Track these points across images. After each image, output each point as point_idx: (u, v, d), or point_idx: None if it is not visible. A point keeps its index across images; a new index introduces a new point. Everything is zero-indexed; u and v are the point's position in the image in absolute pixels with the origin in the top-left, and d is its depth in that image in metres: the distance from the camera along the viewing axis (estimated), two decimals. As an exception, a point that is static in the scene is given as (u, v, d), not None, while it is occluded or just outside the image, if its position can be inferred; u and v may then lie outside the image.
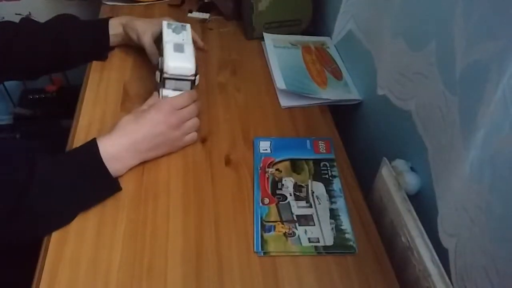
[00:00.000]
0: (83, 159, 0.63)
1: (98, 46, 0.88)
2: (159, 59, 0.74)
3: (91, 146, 0.63)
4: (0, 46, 0.79)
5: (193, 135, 0.74)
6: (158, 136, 0.68)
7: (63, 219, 0.62)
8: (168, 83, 0.74)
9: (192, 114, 0.73)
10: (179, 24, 0.80)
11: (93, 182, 0.63)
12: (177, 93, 0.74)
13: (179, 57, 0.74)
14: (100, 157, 0.62)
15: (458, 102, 0.48)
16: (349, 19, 0.82)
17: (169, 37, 0.77)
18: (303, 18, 1.01)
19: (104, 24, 0.87)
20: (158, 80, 0.75)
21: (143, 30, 0.85)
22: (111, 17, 0.89)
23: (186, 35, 0.78)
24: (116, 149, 0.64)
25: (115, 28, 0.88)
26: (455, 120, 0.49)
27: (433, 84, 0.54)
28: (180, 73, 0.73)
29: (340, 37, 0.87)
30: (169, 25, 0.79)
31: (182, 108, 0.71)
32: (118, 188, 0.66)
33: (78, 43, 0.84)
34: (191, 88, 0.75)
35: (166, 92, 0.74)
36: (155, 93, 0.75)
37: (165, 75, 0.73)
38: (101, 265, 0.58)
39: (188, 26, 0.81)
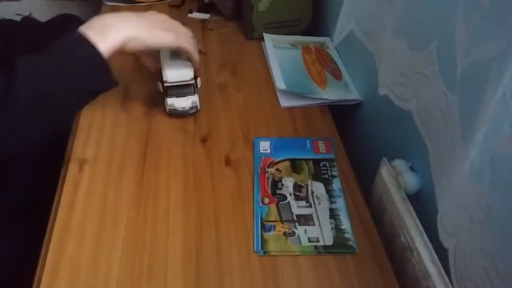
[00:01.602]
0: (68, 40, 0.60)
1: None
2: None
3: (75, 32, 0.59)
4: (0, 44, 0.79)
5: (191, 41, 0.73)
6: (151, 18, 0.68)
7: (60, 102, 0.59)
8: (170, 91, 0.75)
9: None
10: None
11: (82, 59, 0.59)
12: (182, 99, 0.76)
13: (176, 64, 0.75)
14: (84, 32, 0.59)
15: (458, 102, 0.49)
16: (350, 20, 0.82)
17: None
18: (303, 18, 1.01)
19: None
20: (161, 90, 0.76)
21: None
22: None
23: None
24: (104, 20, 0.62)
25: None
26: (456, 120, 0.49)
27: (434, 84, 0.54)
28: (180, 80, 0.74)
29: (341, 38, 0.87)
30: None
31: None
32: (109, 71, 0.62)
33: None
34: (194, 92, 0.76)
35: (171, 100, 0.76)
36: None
37: (165, 84, 0.74)
38: (101, 265, 0.58)
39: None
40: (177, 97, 0.76)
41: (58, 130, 0.63)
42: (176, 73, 0.75)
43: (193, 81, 0.75)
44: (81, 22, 0.87)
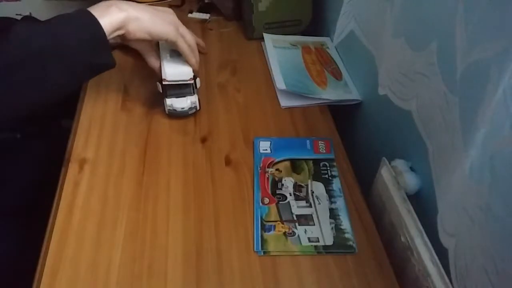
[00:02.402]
0: (71, 14, 0.62)
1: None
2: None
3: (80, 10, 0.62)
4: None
5: (189, 41, 0.73)
6: (157, 9, 0.69)
7: (59, 60, 0.59)
8: (169, 90, 0.75)
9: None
10: None
11: (82, 25, 0.61)
12: (181, 100, 0.75)
13: (175, 62, 0.75)
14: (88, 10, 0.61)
15: (458, 102, 0.49)
16: (350, 20, 0.82)
17: (165, 44, 0.78)
18: (303, 18, 1.01)
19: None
20: (160, 90, 0.76)
21: None
22: None
23: None
24: (109, 2, 0.64)
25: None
26: (456, 120, 0.49)
27: (434, 84, 0.54)
28: (179, 78, 0.74)
29: (342, 38, 0.87)
30: None
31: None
32: (108, 46, 0.64)
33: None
34: (194, 92, 0.76)
35: (170, 100, 0.76)
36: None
37: (164, 82, 0.74)
38: (101, 265, 0.58)
39: None
40: (176, 97, 0.76)
41: (48, 105, 0.62)
42: (175, 72, 0.74)
43: (192, 81, 0.75)
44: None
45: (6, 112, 0.59)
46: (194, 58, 0.75)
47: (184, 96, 0.76)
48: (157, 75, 0.77)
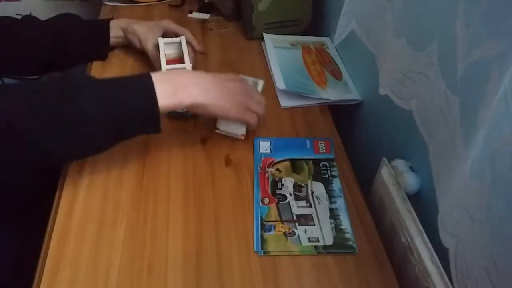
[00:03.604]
0: (133, 81, 0.60)
1: (98, 46, 0.88)
2: None
3: (145, 76, 0.59)
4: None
5: (255, 116, 0.70)
6: (228, 87, 0.65)
7: (91, 124, 0.57)
8: None
9: (261, 101, 0.71)
10: (174, 40, 0.83)
11: (137, 102, 0.58)
12: None
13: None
14: (153, 85, 0.57)
15: (459, 102, 0.49)
16: (350, 20, 0.82)
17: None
18: (303, 18, 1.01)
19: (104, 25, 0.87)
20: None
21: (144, 36, 0.86)
22: (112, 19, 0.89)
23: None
24: (179, 78, 0.62)
25: (115, 31, 0.88)
26: (456, 119, 0.49)
27: (435, 84, 0.54)
28: (231, 131, 0.75)
29: (342, 38, 0.87)
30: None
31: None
32: (159, 127, 0.61)
33: (77, 41, 0.85)
34: None
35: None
36: None
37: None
38: (101, 265, 0.58)
39: (182, 38, 0.83)
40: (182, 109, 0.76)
41: (79, 157, 0.62)
42: (230, 125, 0.75)
43: None
44: (82, 21, 0.87)
45: (41, 157, 0.57)
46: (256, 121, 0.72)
47: None
48: None
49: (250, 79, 0.83)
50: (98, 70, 0.89)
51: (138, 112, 0.59)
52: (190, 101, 0.62)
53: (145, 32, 0.86)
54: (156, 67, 0.84)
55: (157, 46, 0.83)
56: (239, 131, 0.75)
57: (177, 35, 0.85)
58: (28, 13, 1.40)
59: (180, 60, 0.79)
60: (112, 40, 0.88)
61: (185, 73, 0.65)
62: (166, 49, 0.82)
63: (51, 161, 0.59)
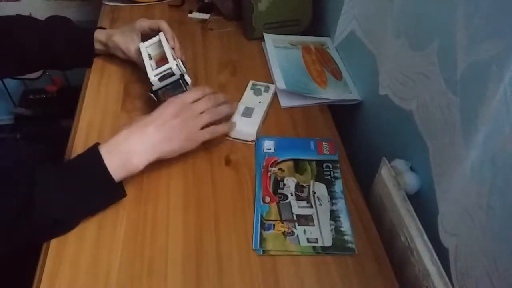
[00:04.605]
0: (86, 166, 0.61)
1: (83, 57, 0.88)
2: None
3: (94, 152, 0.60)
4: None
5: (213, 129, 0.70)
6: (170, 127, 0.65)
7: (67, 227, 0.61)
8: (163, 97, 0.74)
9: (206, 106, 0.69)
10: (154, 40, 0.82)
11: (98, 190, 0.61)
12: None
13: (244, 121, 0.76)
14: (104, 163, 0.59)
15: (459, 102, 0.49)
16: (351, 20, 0.82)
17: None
18: (303, 18, 1.01)
19: (90, 37, 0.87)
20: (155, 99, 0.75)
21: (126, 46, 0.85)
22: (96, 28, 0.88)
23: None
24: (122, 147, 0.62)
25: (97, 44, 0.87)
26: (456, 119, 0.49)
27: (435, 84, 0.54)
28: (243, 138, 0.75)
29: (342, 38, 0.87)
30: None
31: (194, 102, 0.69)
32: (123, 194, 0.64)
33: (64, 50, 0.84)
34: (186, 89, 0.76)
35: None
36: None
37: (153, 88, 0.74)
38: (101, 265, 0.58)
39: (161, 36, 0.82)
40: None
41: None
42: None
43: (178, 76, 0.74)
44: (70, 28, 0.86)
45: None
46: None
47: None
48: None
49: (262, 85, 0.84)
50: (98, 71, 0.89)
51: (100, 197, 0.62)
52: (143, 164, 0.63)
53: (125, 42, 0.85)
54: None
55: (139, 52, 0.81)
56: (249, 137, 0.76)
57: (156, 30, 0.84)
58: (28, 13, 1.40)
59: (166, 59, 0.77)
60: (97, 51, 0.89)
61: (130, 135, 0.63)
62: (149, 50, 0.81)
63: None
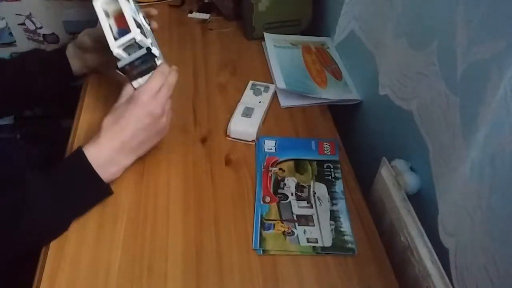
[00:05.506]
0: (73, 171, 0.62)
1: (61, 73, 0.83)
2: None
3: (79, 157, 0.61)
4: None
5: (168, 89, 0.68)
6: (145, 130, 0.65)
7: (60, 229, 0.62)
8: (131, 72, 0.67)
9: (170, 90, 0.68)
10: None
11: (86, 191, 0.63)
12: (147, 77, 0.67)
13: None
14: (90, 165, 0.61)
15: (459, 102, 0.49)
16: (351, 20, 0.82)
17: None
18: (303, 18, 1.01)
19: (62, 50, 0.83)
20: (123, 74, 0.68)
21: (100, 63, 0.82)
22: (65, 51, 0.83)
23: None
24: (108, 154, 0.63)
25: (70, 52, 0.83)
26: (456, 120, 0.49)
27: (435, 84, 0.54)
28: (242, 138, 0.75)
29: (342, 38, 0.87)
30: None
31: (159, 90, 0.66)
32: (110, 192, 0.65)
33: (40, 72, 0.80)
34: (157, 63, 0.68)
35: (137, 83, 0.68)
36: (127, 84, 0.68)
37: (119, 65, 0.66)
38: (101, 265, 0.58)
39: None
40: (141, 76, 0.67)
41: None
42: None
43: (145, 49, 0.65)
44: (46, 57, 0.81)
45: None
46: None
47: (149, 72, 0.67)
48: None
49: (261, 85, 0.84)
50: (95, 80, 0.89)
51: (89, 200, 0.64)
52: (122, 169, 0.66)
53: (96, 58, 0.82)
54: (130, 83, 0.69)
55: (108, 63, 0.74)
56: (249, 137, 0.76)
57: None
58: (28, 13, 1.40)
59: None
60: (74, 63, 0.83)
61: (110, 142, 0.64)
62: (105, 6, 0.69)
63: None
